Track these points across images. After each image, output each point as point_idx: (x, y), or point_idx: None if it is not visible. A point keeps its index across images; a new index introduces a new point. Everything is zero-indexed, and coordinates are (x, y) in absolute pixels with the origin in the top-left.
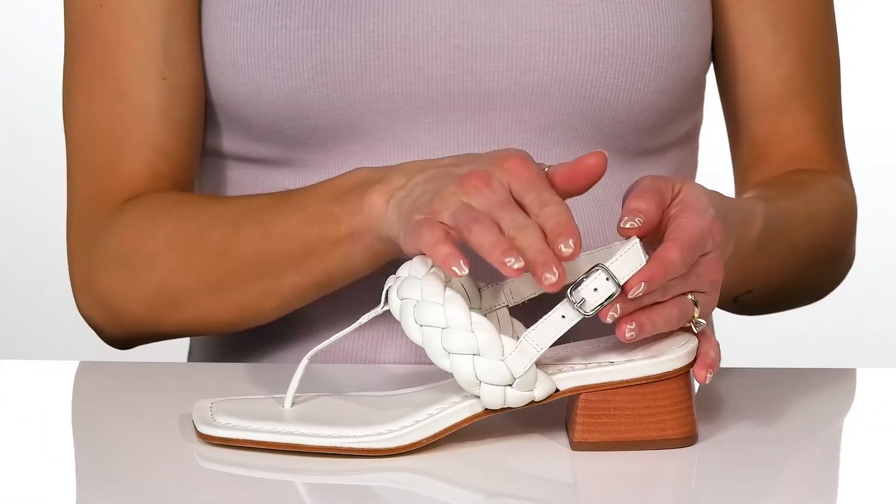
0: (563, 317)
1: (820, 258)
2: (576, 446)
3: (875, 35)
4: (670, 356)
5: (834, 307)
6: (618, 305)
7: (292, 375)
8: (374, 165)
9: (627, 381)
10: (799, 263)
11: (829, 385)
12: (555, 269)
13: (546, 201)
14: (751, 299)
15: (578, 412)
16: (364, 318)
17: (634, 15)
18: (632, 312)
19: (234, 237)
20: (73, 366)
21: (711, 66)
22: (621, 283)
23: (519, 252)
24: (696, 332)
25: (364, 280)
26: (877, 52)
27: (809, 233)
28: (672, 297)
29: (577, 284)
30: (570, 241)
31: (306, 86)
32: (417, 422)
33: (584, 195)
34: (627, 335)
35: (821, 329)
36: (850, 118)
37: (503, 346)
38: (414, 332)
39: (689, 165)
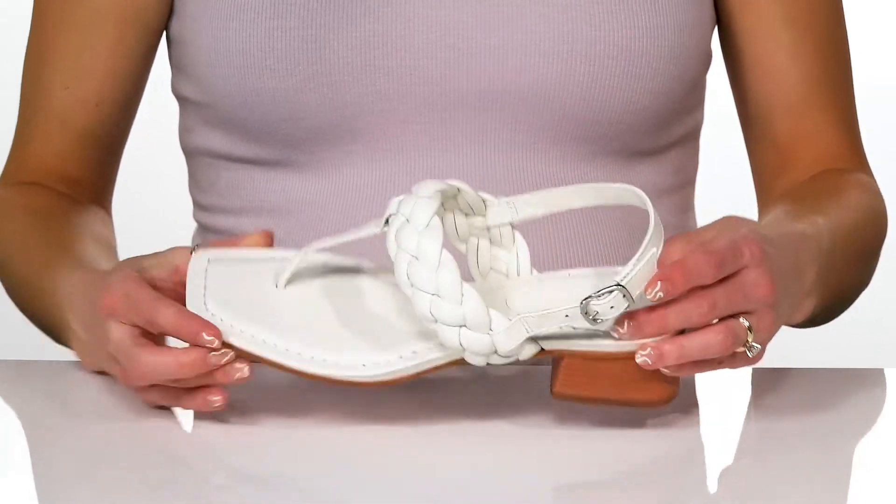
0: (567, 316)
1: (865, 261)
2: (556, 395)
3: (878, 32)
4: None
5: (862, 306)
6: (627, 322)
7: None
8: (371, 165)
9: (612, 353)
10: (853, 271)
11: (856, 385)
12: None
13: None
14: (821, 314)
15: (562, 368)
16: (364, 232)
17: (631, 16)
18: (666, 340)
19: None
20: (70, 365)
21: (724, 68)
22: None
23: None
24: (750, 356)
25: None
26: (879, 50)
27: (858, 239)
28: (718, 323)
29: (595, 296)
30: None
31: (302, 86)
32: (402, 357)
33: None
34: (638, 360)
35: (848, 329)
36: (866, 113)
37: (491, 320)
38: (405, 287)
39: (690, 167)
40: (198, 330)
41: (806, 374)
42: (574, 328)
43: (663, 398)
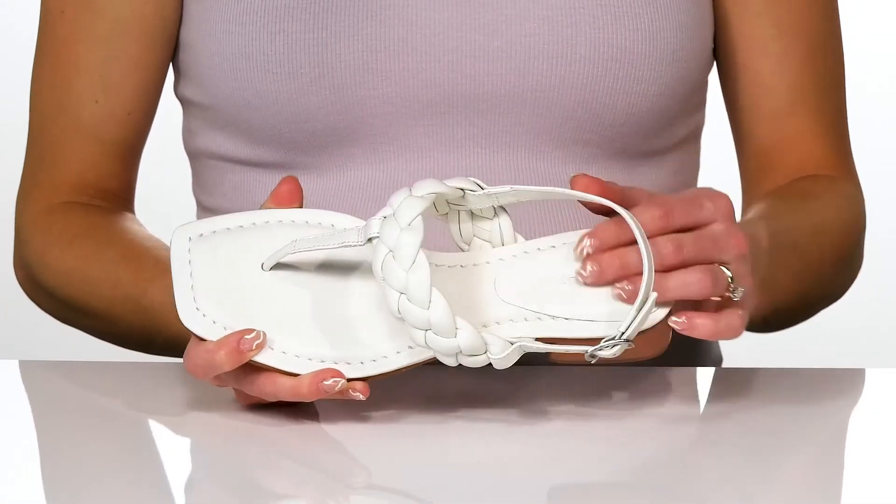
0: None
1: (831, 268)
2: (552, 362)
3: (879, 36)
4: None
5: (843, 307)
6: (590, 266)
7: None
8: (375, 166)
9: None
10: (812, 275)
11: (837, 385)
12: None
13: None
14: (777, 317)
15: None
16: (345, 238)
17: (633, 18)
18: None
19: (98, 317)
20: (71, 366)
21: (714, 69)
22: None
23: None
24: (735, 298)
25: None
26: (880, 53)
27: (818, 243)
28: (694, 266)
29: (599, 348)
30: None
31: (305, 89)
32: (364, 363)
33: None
34: (612, 294)
35: (830, 329)
36: (856, 119)
37: (488, 345)
38: (377, 275)
39: (691, 167)
40: (241, 357)
41: (792, 374)
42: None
43: (656, 355)
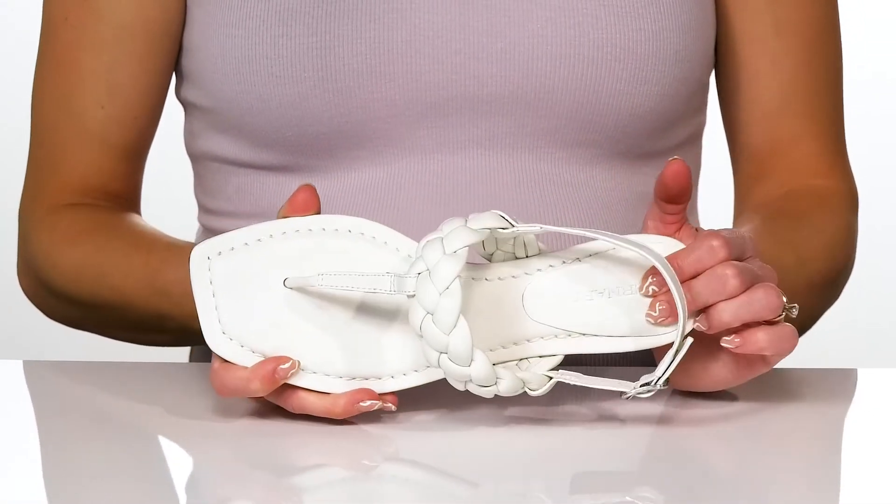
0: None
1: (818, 291)
2: None
3: (877, 36)
4: (655, 337)
5: (835, 307)
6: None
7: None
8: (378, 168)
9: (607, 352)
10: (800, 304)
11: (829, 385)
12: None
13: None
14: None
15: None
16: (376, 284)
17: (637, 19)
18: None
19: (110, 307)
20: (75, 366)
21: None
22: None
23: None
24: (794, 315)
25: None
26: (879, 54)
27: (804, 276)
28: (751, 287)
29: (635, 391)
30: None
31: (308, 93)
32: (395, 377)
33: (589, 199)
34: (657, 314)
35: (821, 329)
36: (853, 118)
37: (526, 383)
38: (415, 332)
39: (692, 168)
40: (276, 384)
41: (785, 375)
42: None
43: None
